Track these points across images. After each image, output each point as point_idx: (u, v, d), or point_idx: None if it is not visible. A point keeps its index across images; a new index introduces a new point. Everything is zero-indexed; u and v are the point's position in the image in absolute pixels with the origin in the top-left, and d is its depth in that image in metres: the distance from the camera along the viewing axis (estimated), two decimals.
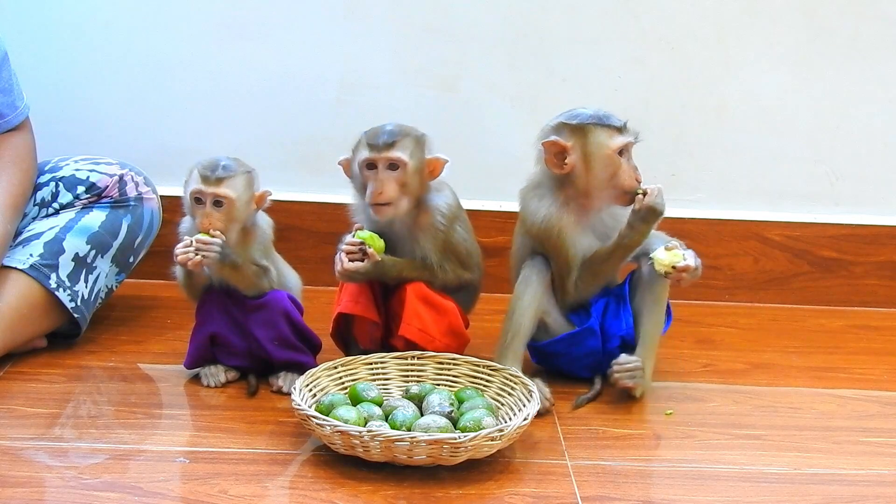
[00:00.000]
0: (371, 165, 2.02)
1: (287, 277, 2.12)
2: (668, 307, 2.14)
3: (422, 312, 2.05)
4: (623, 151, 2.02)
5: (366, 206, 2.06)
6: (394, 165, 2.01)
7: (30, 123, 2.27)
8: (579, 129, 2.01)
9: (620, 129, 2.02)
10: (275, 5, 2.58)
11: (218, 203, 1.99)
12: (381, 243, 2.03)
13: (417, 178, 2.03)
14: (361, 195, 2.06)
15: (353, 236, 2.03)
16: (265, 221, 2.08)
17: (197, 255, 1.96)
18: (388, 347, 2.09)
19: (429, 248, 2.06)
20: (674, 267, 1.99)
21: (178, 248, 1.98)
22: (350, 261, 2.01)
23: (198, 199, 2.00)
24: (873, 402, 2.13)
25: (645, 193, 1.99)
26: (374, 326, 2.09)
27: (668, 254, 2.00)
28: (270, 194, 2.05)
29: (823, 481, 1.80)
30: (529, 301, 2.07)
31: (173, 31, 2.59)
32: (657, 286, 2.07)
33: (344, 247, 2.02)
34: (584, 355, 2.11)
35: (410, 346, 2.06)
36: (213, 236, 1.97)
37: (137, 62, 2.60)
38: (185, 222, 2.07)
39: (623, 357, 2.05)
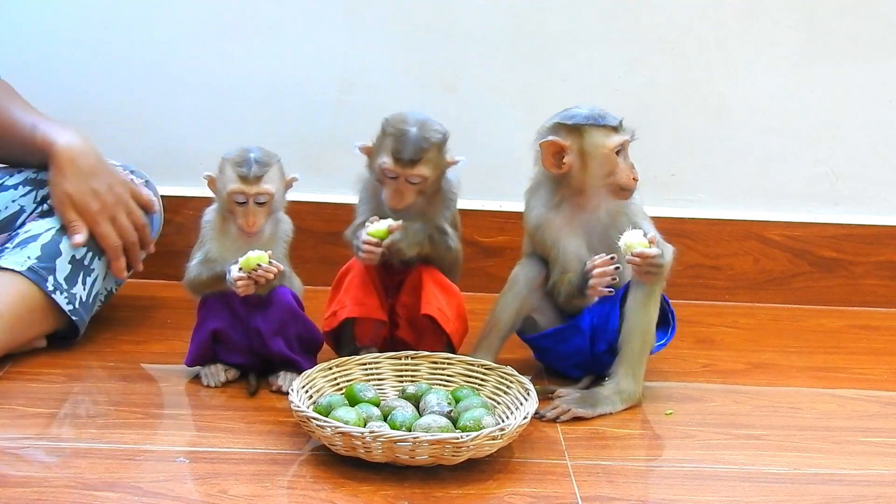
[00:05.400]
0: (393, 174, 2.02)
1: (291, 281, 2.12)
2: (671, 317, 2.13)
3: (438, 294, 2.06)
4: (619, 150, 2.02)
5: (373, 189, 2.06)
6: (415, 179, 2.01)
7: None
8: (576, 129, 2.01)
9: (616, 129, 2.02)
10: (275, 5, 2.58)
11: (260, 201, 2.00)
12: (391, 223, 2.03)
13: (436, 182, 2.05)
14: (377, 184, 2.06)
15: (366, 234, 2.02)
16: (286, 221, 2.09)
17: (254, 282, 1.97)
18: (393, 342, 2.10)
19: (441, 217, 2.07)
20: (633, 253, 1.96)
21: (238, 282, 1.96)
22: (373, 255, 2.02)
23: (239, 200, 2.00)
24: (873, 402, 2.13)
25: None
26: (380, 325, 2.10)
27: (634, 235, 1.98)
28: (297, 179, 2.07)
29: (823, 481, 1.80)
30: (512, 298, 2.10)
31: (173, 31, 2.59)
32: (646, 285, 2.02)
33: (363, 247, 2.01)
34: (570, 353, 2.10)
35: (420, 336, 2.06)
36: (270, 264, 1.96)
37: (138, 62, 2.60)
38: (209, 213, 2.08)
39: (564, 390, 2.04)
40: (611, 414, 2.01)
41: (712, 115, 2.65)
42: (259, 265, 1.96)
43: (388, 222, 2.03)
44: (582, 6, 2.59)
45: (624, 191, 2.02)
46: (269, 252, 1.98)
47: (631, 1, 2.59)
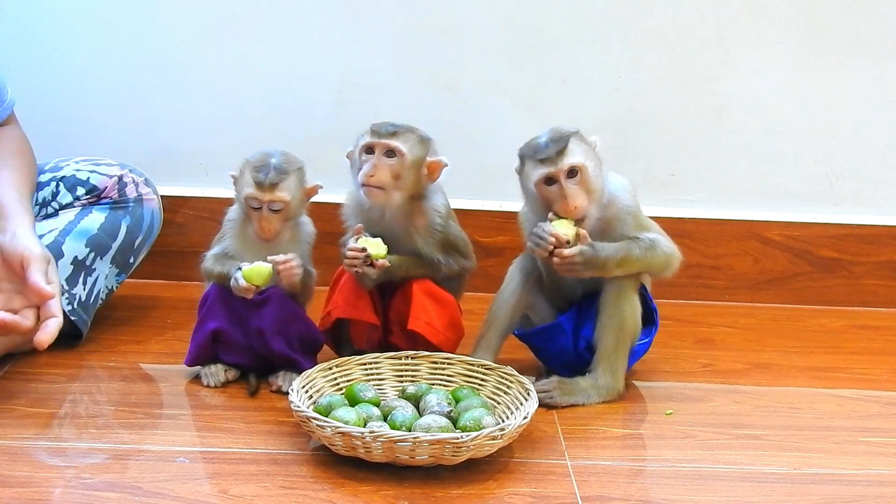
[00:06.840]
0: (370, 149, 2.02)
1: (309, 281, 2.12)
2: (655, 315, 2.13)
3: (427, 306, 2.06)
4: (549, 180, 1.98)
5: (357, 203, 2.06)
6: (391, 153, 2.01)
7: (16, 118, 2.25)
8: (520, 159, 2.02)
9: (543, 161, 1.97)
10: (275, 5, 2.58)
11: (275, 208, 2.00)
12: (383, 249, 2.02)
13: (413, 174, 2.03)
14: (357, 187, 2.05)
15: (356, 242, 2.02)
16: (308, 223, 2.10)
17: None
18: (387, 347, 2.09)
19: (428, 248, 2.07)
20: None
21: (243, 293, 1.98)
22: (355, 267, 2.02)
23: (254, 205, 2.01)
24: (873, 402, 2.13)
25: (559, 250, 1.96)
26: (373, 328, 2.10)
27: (562, 223, 1.97)
28: (321, 187, 2.07)
29: (823, 481, 1.80)
30: (508, 295, 2.11)
31: (173, 31, 2.59)
32: (621, 280, 2.03)
33: (348, 253, 2.02)
34: (557, 353, 2.11)
35: (413, 342, 2.06)
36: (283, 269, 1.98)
37: (137, 62, 2.60)
38: (233, 212, 2.08)
39: (540, 381, 2.05)
40: (583, 405, 2.03)
41: (712, 115, 2.65)
42: (257, 286, 1.96)
43: (379, 241, 2.03)
44: (582, 6, 2.59)
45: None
46: (274, 263, 1.98)
47: (631, 1, 2.59)
